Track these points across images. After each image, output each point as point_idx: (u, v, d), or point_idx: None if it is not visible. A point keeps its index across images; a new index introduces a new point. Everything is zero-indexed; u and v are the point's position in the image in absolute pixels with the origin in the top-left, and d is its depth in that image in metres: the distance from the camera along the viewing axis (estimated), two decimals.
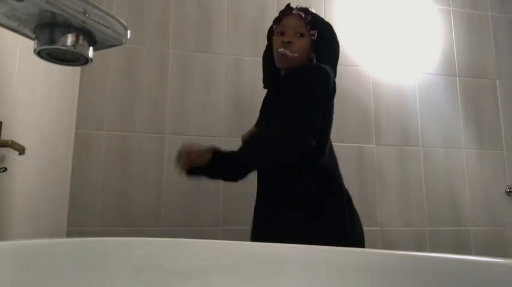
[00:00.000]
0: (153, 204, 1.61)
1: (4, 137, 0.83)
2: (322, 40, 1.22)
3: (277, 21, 1.30)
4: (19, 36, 0.67)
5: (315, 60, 1.22)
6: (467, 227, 1.88)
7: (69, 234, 1.52)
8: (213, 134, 1.71)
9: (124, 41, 0.70)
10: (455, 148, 1.94)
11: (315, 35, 1.21)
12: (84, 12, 0.62)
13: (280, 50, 1.21)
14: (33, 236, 1.12)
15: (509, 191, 1.94)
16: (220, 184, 1.66)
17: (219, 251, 0.66)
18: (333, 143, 1.87)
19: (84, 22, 0.63)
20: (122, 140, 1.63)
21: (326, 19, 1.90)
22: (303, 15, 1.22)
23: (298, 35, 1.21)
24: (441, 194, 1.88)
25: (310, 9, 1.27)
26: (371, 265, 0.58)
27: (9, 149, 0.84)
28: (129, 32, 0.70)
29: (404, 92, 1.94)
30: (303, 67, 1.19)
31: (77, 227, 1.53)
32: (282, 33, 1.24)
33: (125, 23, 0.69)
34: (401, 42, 2.00)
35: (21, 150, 0.86)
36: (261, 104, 1.32)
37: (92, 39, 0.68)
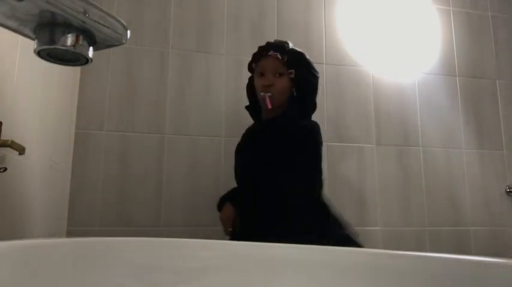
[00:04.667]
0: (153, 204, 1.61)
1: (4, 137, 0.83)
2: (301, 76, 1.30)
3: (255, 60, 1.38)
4: (19, 36, 0.67)
5: (295, 93, 1.31)
6: (467, 227, 1.88)
7: (69, 234, 1.52)
8: (213, 134, 1.71)
9: (124, 41, 0.70)
10: (455, 148, 1.94)
11: (293, 74, 1.29)
12: (84, 12, 0.62)
13: (261, 94, 1.30)
14: (33, 236, 1.12)
15: (509, 191, 1.94)
16: (220, 184, 1.66)
17: (219, 251, 0.66)
18: (333, 143, 1.87)
19: (84, 22, 0.63)
20: (122, 140, 1.63)
21: (326, 19, 1.93)
22: (279, 56, 1.29)
23: (278, 75, 1.30)
24: (441, 194, 1.88)
25: (285, 47, 1.33)
26: (371, 265, 0.58)
27: (9, 149, 0.84)
28: (129, 32, 0.70)
29: (404, 92, 1.94)
30: (300, 128, 1.27)
31: (77, 227, 1.53)
32: (262, 74, 1.33)
33: (125, 23, 0.69)
34: (401, 42, 2.00)
35: (21, 150, 0.86)
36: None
37: (92, 39, 0.68)
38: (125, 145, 1.63)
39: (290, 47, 1.34)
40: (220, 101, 1.74)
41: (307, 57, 1.36)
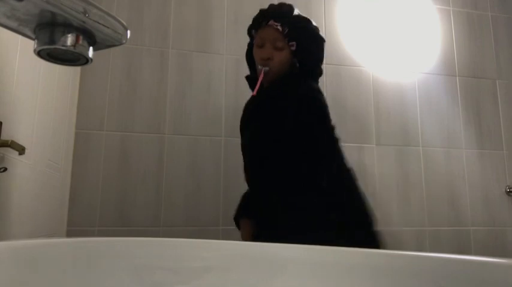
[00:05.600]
0: (153, 204, 1.61)
1: (4, 137, 0.83)
2: (303, 49, 1.19)
3: (254, 26, 1.27)
4: (19, 36, 0.67)
5: (297, 65, 1.20)
6: (467, 227, 1.88)
7: (69, 234, 1.52)
8: (213, 134, 1.71)
9: (124, 41, 0.70)
10: (455, 147, 1.94)
11: (294, 46, 1.18)
12: (84, 12, 0.62)
13: (259, 67, 1.20)
14: (33, 236, 1.12)
15: (509, 191, 1.94)
16: (220, 184, 1.66)
17: (219, 251, 0.66)
18: None
19: (84, 22, 0.63)
20: (122, 140, 1.63)
21: (326, 20, 1.92)
22: (280, 28, 1.18)
23: (278, 48, 1.18)
24: (441, 194, 1.88)
25: (288, 15, 1.21)
26: (371, 265, 0.58)
27: (9, 149, 0.84)
28: (129, 32, 0.70)
29: (404, 92, 1.94)
30: (298, 95, 1.13)
31: (77, 227, 1.53)
32: (261, 46, 1.22)
33: (125, 23, 0.69)
34: (401, 42, 2.00)
35: (21, 150, 0.86)
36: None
37: (92, 39, 0.68)
38: (125, 145, 1.63)
39: (294, 15, 1.21)
40: (220, 101, 1.74)
41: (313, 24, 1.23)
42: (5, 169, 0.84)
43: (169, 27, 1.75)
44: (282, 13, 1.21)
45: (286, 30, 1.18)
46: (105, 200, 1.58)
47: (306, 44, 1.19)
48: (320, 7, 1.93)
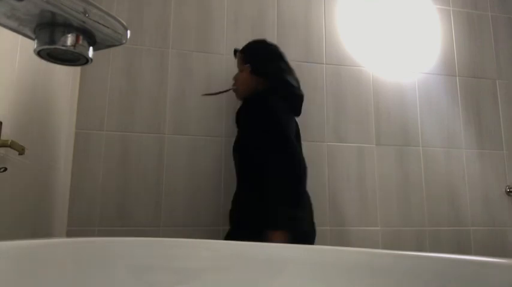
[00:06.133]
0: (153, 204, 1.61)
1: (4, 137, 0.83)
2: (256, 68, 1.47)
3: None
4: (19, 36, 0.67)
5: (261, 79, 1.45)
6: (467, 227, 1.88)
7: (69, 234, 1.52)
8: (213, 134, 1.71)
9: (124, 41, 0.70)
10: (455, 147, 1.94)
11: (250, 66, 1.48)
12: (84, 12, 0.62)
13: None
14: (33, 236, 1.12)
15: (509, 191, 1.94)
16: (221, 183, 1.66)
17: (219, 251, 0.66)
18: (333, 143, 1.87)
19: (84, 22, 0.63)
20: (122, 140, 1.63)
21: (326, 19, 1.93)
22: (240, 55, 1.54)
23: (240, 70, 1.52)
24: (441, 194, 1.88)
25: (246, 45, 1.54)
26: (371, 265, 0.58)
27: (9, 149, 0.84)
28: (129, 32, 0.70)
29: (404, 92, 1.94)
30: (250, 106, 1.40)
31: (77, 227, 1.53)
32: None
33: (125, 23, 0.69)
34: (401, 42, 2.00)
35: (21, 150, 0.86)
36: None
37: (92, 39, 0.68)
38: (125, 145, 1.63)
39: (251, 41, 1.56)
40: (221, 101, 1.74)
41: (266, 43, 1.53)
42: (5, 169, 0.84)
43: (169, 27, 1.75)
44: (246, 45, 1.55)
45: (243, 56, 1.53)
46: (105, 200, 1.58)
47: (257, 61, 1.48)
48: (320, 7, 1.93)
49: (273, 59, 1.49)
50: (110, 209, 1.58)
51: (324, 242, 1.68)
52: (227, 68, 1.77)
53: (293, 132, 1.35)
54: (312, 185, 1.77)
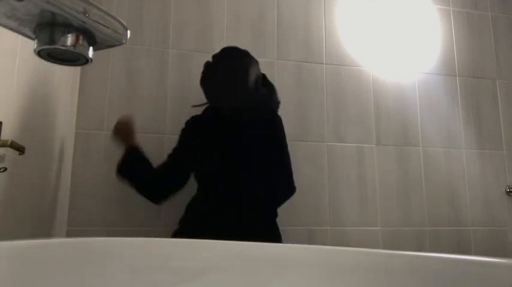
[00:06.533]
0: (153, 204, 1.61)
1: (4, 137, 0.83)
2: (207, 91, 1.50)
3: None
4: (19, 36, 0.67)
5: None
6: (467, 227, 1.88)
7: (69, 234, 1.52)
8: None
9: (124, 41, 0.70)
10: (455, 147, 1.94)
11: (205, 90, 1.51)
12: (84, 12, 0.62)
13: None
14: (33, 236, 1.12)
15: (509, 191, 1.94)
16: None
17: (219, 251, 0.66)
18: (333, 143, 1.87)
19: (84, 22, 0.63)
20: None
21: (326, 19, 1.93)
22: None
23: None
24: (441, 194, 1.88)
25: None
26: (371, 265, 0.58)
27: (9, 149, 0.84)
28: (129, 32, 0.70)
29: (404, 92, 1.94)
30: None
31: (77, 227, 1.53)
32: None
33: (124, 23, 0.69)
34: (401, 42, 2.00)
35: (21, 150, 0.86)
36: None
37: (92, 39, 0.68)
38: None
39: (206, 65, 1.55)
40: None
41: (209, 62, 1.51)
42: (5, 169, 0.84)
43: (169, 27, 1.75)
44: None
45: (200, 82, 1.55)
46: (105, 200, 1.57)
47: (207, 89, 1.50)
48: (320, 7, 1.93)
49: (210, 77, 1.51)
50: (110, 209, 1.57)
51: (324, 242, 1.68)
52: None
53: (200, 149, 1.45)
54: (312, 185, 1.77)
